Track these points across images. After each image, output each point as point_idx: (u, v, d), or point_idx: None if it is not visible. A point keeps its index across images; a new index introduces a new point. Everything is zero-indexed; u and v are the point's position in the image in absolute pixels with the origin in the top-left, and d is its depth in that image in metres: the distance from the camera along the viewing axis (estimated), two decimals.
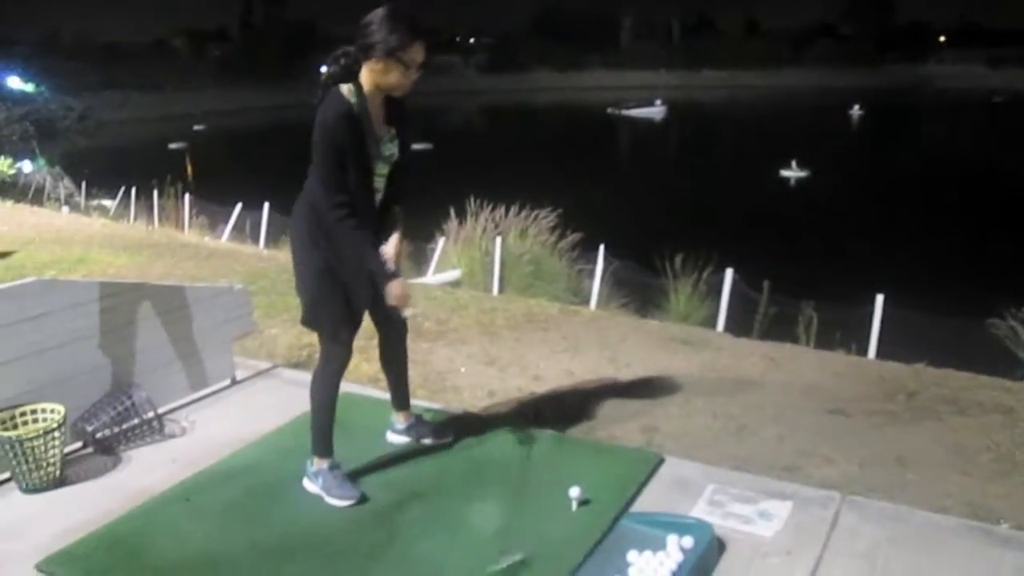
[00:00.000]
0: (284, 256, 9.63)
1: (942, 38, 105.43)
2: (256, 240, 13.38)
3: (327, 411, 3.16)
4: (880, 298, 7.76)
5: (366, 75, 2.93)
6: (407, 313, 3.15)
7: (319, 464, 3.16)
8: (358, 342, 3.17)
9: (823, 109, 57.10)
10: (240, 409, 4.01)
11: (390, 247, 3.09)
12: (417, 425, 3.56)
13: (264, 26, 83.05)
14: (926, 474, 3.55)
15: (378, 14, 2.89)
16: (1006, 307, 7.39)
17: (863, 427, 4.08)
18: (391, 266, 3.03)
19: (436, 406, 3.97)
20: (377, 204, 3.10)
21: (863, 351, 6.80)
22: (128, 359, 3.73)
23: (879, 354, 6.77)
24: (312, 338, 4.66)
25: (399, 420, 3.55)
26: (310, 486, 3.18)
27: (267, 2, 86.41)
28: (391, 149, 3.07)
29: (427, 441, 3.53)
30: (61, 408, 3.31)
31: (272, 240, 12.84)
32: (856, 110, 56.95)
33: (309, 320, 3.17)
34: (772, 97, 70.85)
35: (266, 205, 13.95)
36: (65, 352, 3.50)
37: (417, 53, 2.90)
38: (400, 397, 3.54)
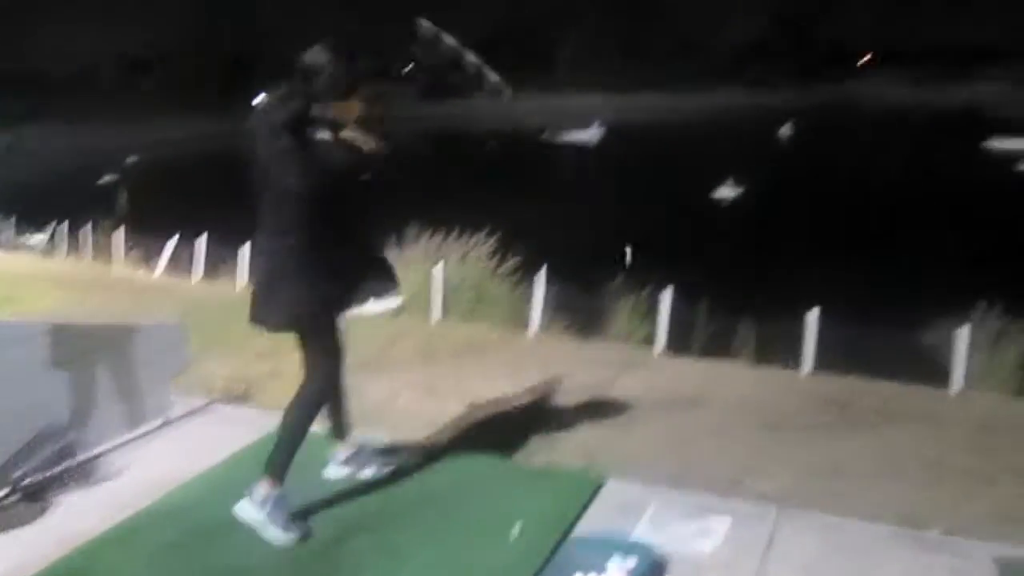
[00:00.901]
0: (221, 288, 9.48)
1: (867, 56, 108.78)
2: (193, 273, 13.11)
3: (304, 433, 3.12)
4: (815, 312, 7.91)
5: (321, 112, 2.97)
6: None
7: (270, 490, 3.03)
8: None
9: (756, 128, 58.22)
10: (176, 447, 3.93)
11: None
12: (357, 456, 3.54)
13: (200, 54, 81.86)
14: (859, 484, 3.63)
15: (319, 53, 2.91)
16: (936, 317, 7.61)
17: (799, 440, 4.16)
18: None
19: (376, 437, 3.94)
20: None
21: (799, 365, 6.93)
22: (59, 400, 3.64)
23: (815, 367, 6.90)
24: (249, 372, 4.61)
25: (340, 452, 3.52)
26: (251, 512, 3.03)
27: (204, 29, 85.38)
28: None
29: (367, 472, 3.51)
30: None
31: (211, 271, 12.60)
32: (787, 128, 58.28)
33: (297, 325, 3.20)
34: (706, 116, 71.99)
35: (203, 236, 13.71)
36: None
37: (363, 90, 3.01)
38: (340, 425, 3.51)
